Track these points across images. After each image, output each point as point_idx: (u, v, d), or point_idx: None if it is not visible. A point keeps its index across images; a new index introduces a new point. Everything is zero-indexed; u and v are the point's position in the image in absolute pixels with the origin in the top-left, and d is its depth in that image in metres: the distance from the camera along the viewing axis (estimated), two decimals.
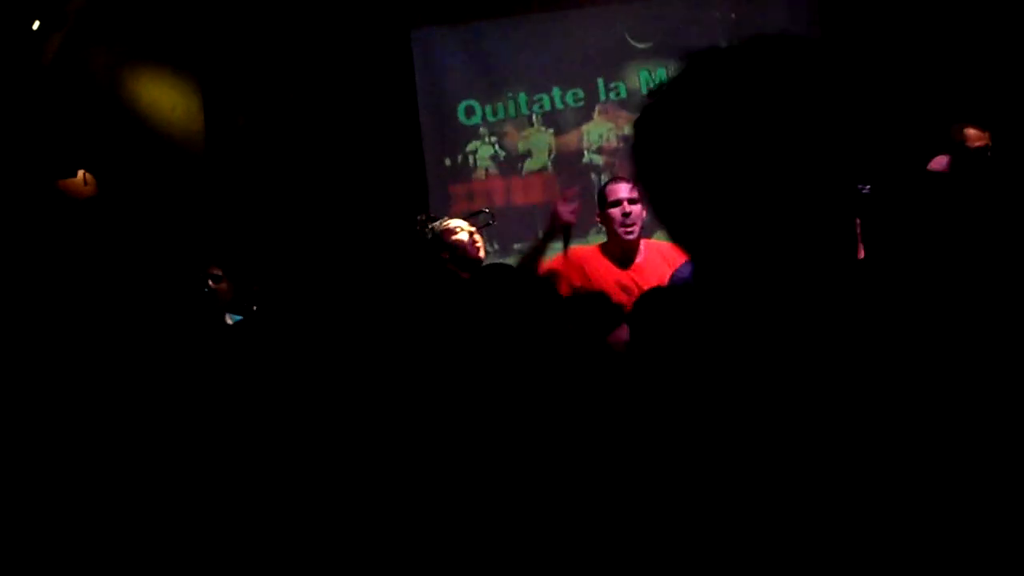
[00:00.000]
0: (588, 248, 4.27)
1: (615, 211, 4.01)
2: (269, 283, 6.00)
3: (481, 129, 6.13)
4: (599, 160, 5.96)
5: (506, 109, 6.11)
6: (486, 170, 6.12)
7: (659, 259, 3.94)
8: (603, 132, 5.96)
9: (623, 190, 4.03)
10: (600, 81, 5.97)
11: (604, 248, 4.14)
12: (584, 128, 5.98)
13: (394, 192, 6.00)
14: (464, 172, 6.13)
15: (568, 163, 6.00)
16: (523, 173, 6.06)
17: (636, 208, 3.96)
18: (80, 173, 6.15)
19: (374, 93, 6.13)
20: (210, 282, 5.22)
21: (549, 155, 6.04)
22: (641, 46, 5.85)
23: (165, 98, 6.16)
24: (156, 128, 6.16)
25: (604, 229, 4.18)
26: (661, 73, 5.87)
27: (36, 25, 6.09)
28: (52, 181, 6.11)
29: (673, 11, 5.81)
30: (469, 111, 6.14)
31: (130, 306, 6.15)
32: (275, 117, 6.13)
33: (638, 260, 4.06)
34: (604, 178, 5.40)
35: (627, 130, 5.91)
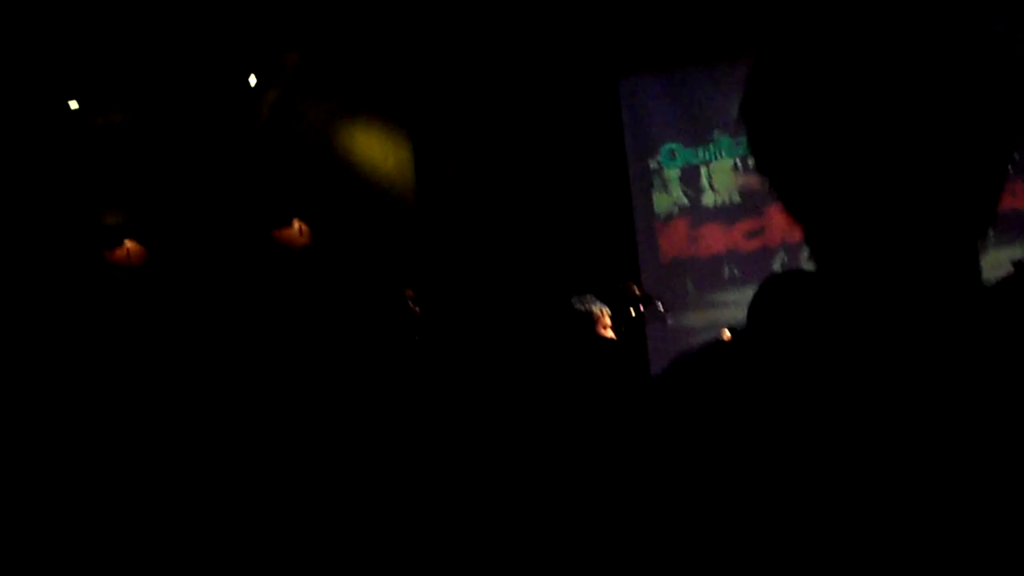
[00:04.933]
0: None
1: None
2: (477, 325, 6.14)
3: (678, 172, 6.28)
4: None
5: (707, 152, 6.25)
6: (683, 212, 6.26)
7: None
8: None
9: None
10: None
11: None
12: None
13: (601, 237, 6.14)
14: (668, 215, 6.28)
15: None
16: (735, 219, 6.20)
17: None
18: (295, 223, 6.29)
19: (581, 141, 6.27)
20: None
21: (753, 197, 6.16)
22: None
23: (377, 149, 6.31)
24: (368, 179, 6.30)
25: None
26: None
27: (253, 81, 6.26)
28: (268, 231, 6.25)
29: None
30: (671, 154, 6.29)
31: (342, 353, 6.30)
32: (484, 166, 6.27)
33: None
34: None
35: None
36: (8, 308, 6.09)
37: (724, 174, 6.22)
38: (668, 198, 6.32)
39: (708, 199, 6.26)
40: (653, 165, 6.30)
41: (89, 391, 5.80)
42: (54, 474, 5.01)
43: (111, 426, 5.58)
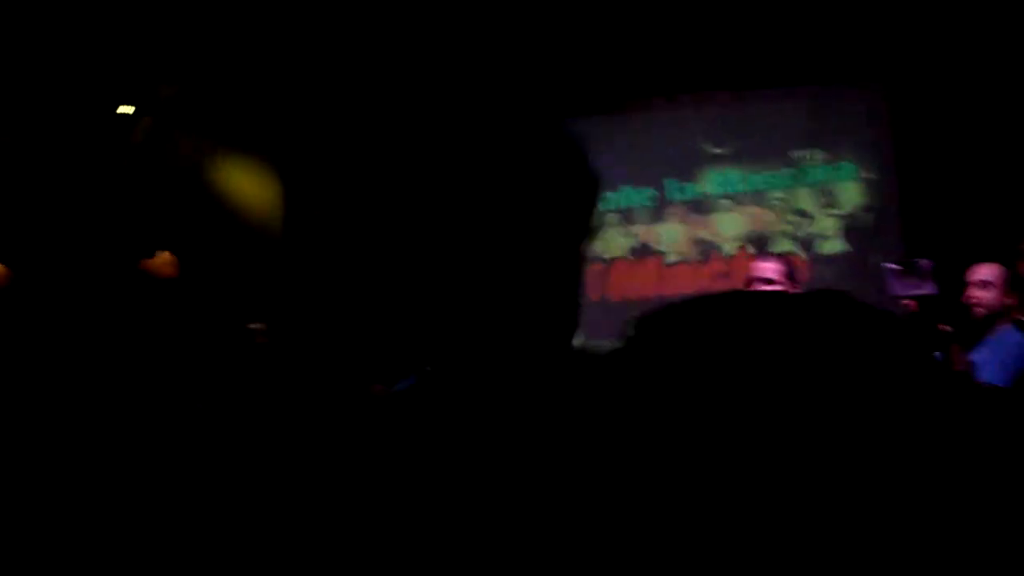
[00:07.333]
0: None
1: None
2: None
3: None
4: (675, 259, 6.22)
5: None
6: None
7: None
8: (675, 234, 6.24)
9: (767, 270, 3.87)
10: (669, 182, 6.23)
11: None
12: (657, 228, 6.28)
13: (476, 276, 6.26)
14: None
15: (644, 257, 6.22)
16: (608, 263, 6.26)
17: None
18: (162, 254, 6.32)
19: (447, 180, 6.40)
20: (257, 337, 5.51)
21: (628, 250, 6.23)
22: (716, 151, 6.14)
23: (247, 184, 6.40)
24: (236, 212, 6.38)
25: None
26: (734, 176, 6.12)
27: (126, 109, 6.32)
28: (134, 261, 6.28)
29: (749, 117, 6.08)
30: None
31: (207, 384, 6.32)
32: (351, 202, 6.37)
33: None
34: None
35: (700, 233, 6.21)
36: None
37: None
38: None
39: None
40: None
41: None
42: None
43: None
